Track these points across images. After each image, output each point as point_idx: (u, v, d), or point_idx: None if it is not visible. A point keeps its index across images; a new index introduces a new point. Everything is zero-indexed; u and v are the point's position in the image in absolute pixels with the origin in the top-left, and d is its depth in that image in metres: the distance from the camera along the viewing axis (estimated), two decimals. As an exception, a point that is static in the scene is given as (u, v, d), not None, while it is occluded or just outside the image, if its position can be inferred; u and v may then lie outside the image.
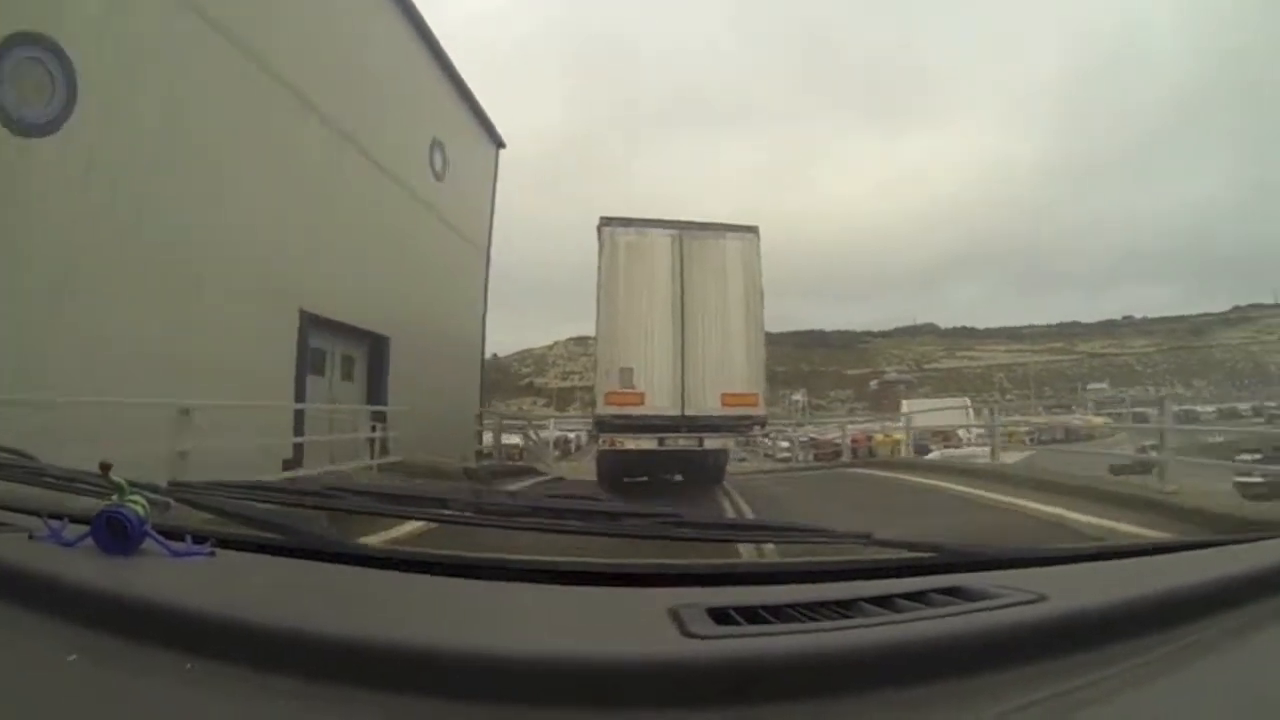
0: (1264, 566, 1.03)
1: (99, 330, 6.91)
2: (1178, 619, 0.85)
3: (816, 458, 23.14)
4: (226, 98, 8.85)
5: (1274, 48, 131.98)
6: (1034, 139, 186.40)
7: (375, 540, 1.40)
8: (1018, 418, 20.72)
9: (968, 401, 33.04)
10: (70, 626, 0.73)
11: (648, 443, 10.15)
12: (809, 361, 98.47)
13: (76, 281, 6.81)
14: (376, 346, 13.11)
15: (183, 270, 8.08)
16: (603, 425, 10.32)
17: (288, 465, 8.87)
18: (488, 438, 16.97)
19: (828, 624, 0.76)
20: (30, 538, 0.94)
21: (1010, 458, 13.42)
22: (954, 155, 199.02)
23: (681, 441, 10.25)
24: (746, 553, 1.85)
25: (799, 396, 76.58)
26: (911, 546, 1.13)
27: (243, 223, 9.05)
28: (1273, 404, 42.48)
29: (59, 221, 6.69)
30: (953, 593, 0.86)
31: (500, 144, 19.33)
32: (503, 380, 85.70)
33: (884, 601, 0.83)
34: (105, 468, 0.97)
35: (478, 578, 0.97)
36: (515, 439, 18.27)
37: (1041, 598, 0.82)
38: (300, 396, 10.18)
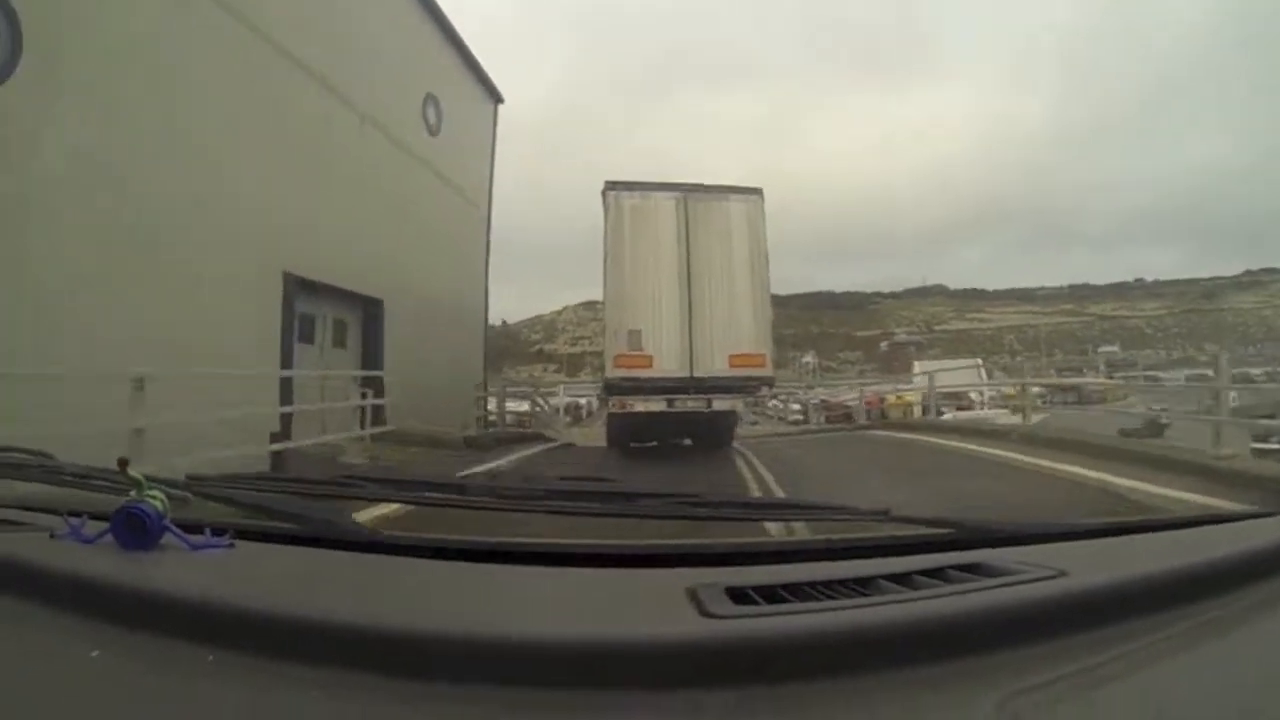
0: None
1: (43, 291, 6.28)
2: (1199, 594, 0.83)
3: (828, 420, 22.89)
4: (193, 39, 8.14)
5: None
6: (1042, 97, 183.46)
7: (388, 526, 1.33)
8: (1048, 379, 20.11)
9: (980, 362, 32.41)
10: (93, 622, 0.73)
11: (657, 404, 10.27)
12: (818, 323, 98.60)
13: (20, 240, 6.21)
14: (371, 311, 12.41)
15: (142, 227, 7.38)
16: (611, 388, 10.44)
17: (275, 438, 8.31)
18: (494, 404, 16.59)
19: (846, 602, 0.76)
20: (51, 536, 0.94)
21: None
22: (962, 114, 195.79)
23: (690, 403, 10.36)
24: (764, 531, 1.78)
25: (809, 359, 76.42)
26: (930, 523, 1.11)
27: (213, 175, 8.34)
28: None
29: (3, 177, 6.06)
30: (972, 569, 0.86)
31: (499, 99, 18.38)
32: (512, 347, 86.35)
33: (903, 579, 0.82)
34: (123, 464, 0.97)
35: (495, 562, 0.97)
36: (525, 405, 17.87)
37: (1061, 573, 0.81)
38: (287, 364, 9.57)
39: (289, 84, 9.93)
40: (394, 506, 1.73)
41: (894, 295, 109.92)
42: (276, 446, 8.11)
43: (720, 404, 10.71)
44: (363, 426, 10.04)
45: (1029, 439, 9.10)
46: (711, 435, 11.08)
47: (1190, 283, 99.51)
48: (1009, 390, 20.44)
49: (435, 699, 0.61)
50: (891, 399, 23.78)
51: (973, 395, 20.37)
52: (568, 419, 19.08)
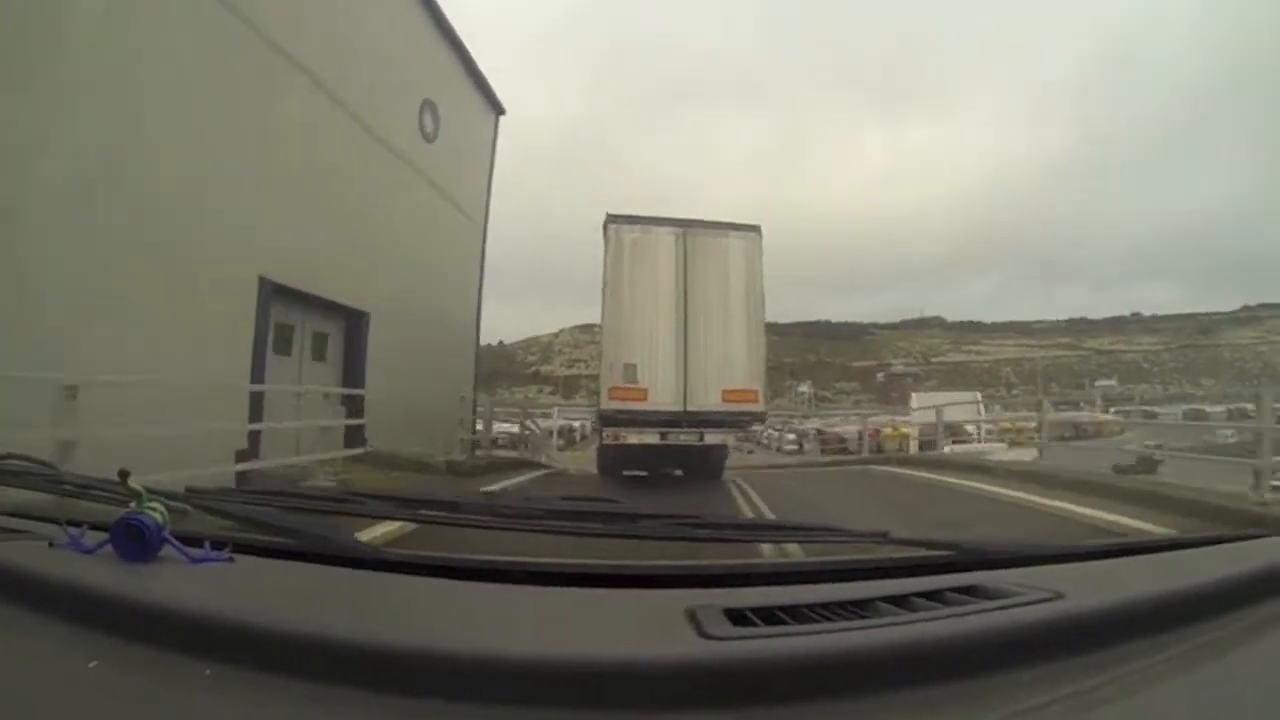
0: None
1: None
2: (1196, 616, 0.83)
3: (823, 451, 22.67)
4: (171, 27, 7.59)
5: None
6: (1046, 134, 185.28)
7: (389, 544, 1.29)
8: (1061, 414, 19.57)
9: (979, 396, 31.85)
10: (90, 633, 0.73)
11: (650, 437, 10.38)
12: (815, 352, 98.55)
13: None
14: (354, 323, 11.67)
15: (92, 217, 6.69)
16: (606, 420, 10.55)
17: (241, 456, 7.61)
18: (482, 426, 15.89)
19: (844, 624, 0.75)
20: (50, 545, 0.92)
21: (1027, 455, 12.43)
22: (964, 148, 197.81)
23: (683, 437, 10.48)
24: (763, 553, 1.76)
25: (805, 388, 76.03)
26: (929, 545, 1.10)
27: (175, 161, 7.61)
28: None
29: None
30: (969, 591, 0.85)
31: (500, 110, 17.85)
32: (508, 368, 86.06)
33: (901, 601, 0.82)
34: (123, 475, 0.95)
35: (495, 581, 0.96)
36: (515, 427, 17.15)
37: (1058, 596, 0.81)
38: (258, 377, 8.88)
39: (271, 74, 9.25)
40: (394, 524, 1.76)
41: (891, 326, 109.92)
42: (242, 466, 7.41)
43: (712, 437, 10.86)
44: (344, 447, 9.37)
45: (1050, 478, 8.44)
46: (704, 467, 11.14)
47: (1188, 318, 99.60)
48: (1006, 425, 20.08)
49: (433, 716, 0.60)
50: (888, 430, 23.59)
51: (969, 428, 19.88)
52: (560, 442, 18.47)
